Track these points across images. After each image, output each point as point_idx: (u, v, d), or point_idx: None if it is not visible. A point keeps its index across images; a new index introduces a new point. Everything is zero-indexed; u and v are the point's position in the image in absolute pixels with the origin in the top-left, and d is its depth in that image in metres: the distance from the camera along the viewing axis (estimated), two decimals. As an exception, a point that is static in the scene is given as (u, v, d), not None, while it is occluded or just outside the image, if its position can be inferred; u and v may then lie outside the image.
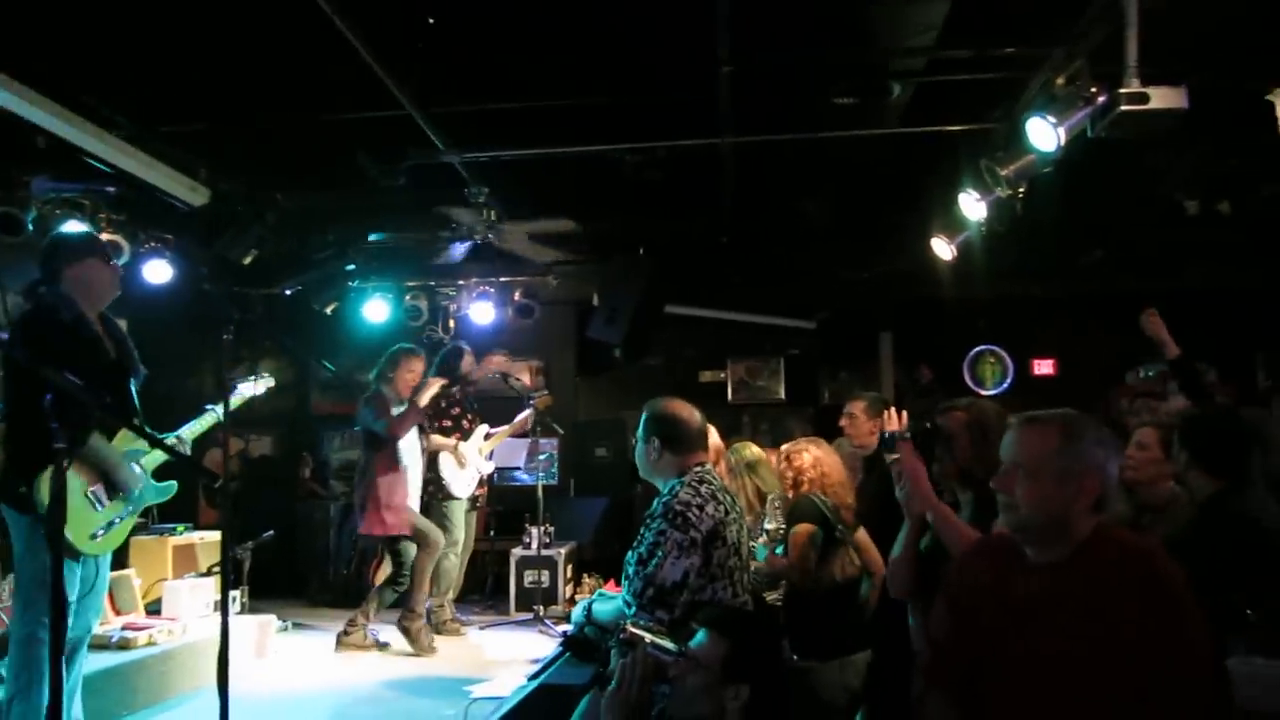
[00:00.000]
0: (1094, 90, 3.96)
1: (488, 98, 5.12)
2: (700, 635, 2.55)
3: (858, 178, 6.36)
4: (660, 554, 2.90)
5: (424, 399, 6.02)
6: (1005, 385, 9.00)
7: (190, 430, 4.12)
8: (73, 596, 3.43)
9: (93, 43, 4.57)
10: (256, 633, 5.65)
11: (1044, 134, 4.24)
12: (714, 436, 4.75)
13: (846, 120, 5.24)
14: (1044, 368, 9.04)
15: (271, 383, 4.77)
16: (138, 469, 3.77)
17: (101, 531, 3.60)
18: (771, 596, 4.41)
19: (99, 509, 3.59)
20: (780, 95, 5.09)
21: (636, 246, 7.23)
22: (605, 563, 7.51)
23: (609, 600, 3.38)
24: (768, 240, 7.89)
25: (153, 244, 6.71)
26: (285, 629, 6.24)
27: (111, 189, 5.68)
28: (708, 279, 8.52)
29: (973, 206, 5.51)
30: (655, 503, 3.14)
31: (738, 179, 6.23)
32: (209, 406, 4.26)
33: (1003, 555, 2.21)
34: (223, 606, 3.14)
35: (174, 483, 3.96)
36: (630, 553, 3.06)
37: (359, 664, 5.51)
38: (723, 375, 9.32)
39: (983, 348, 9.12)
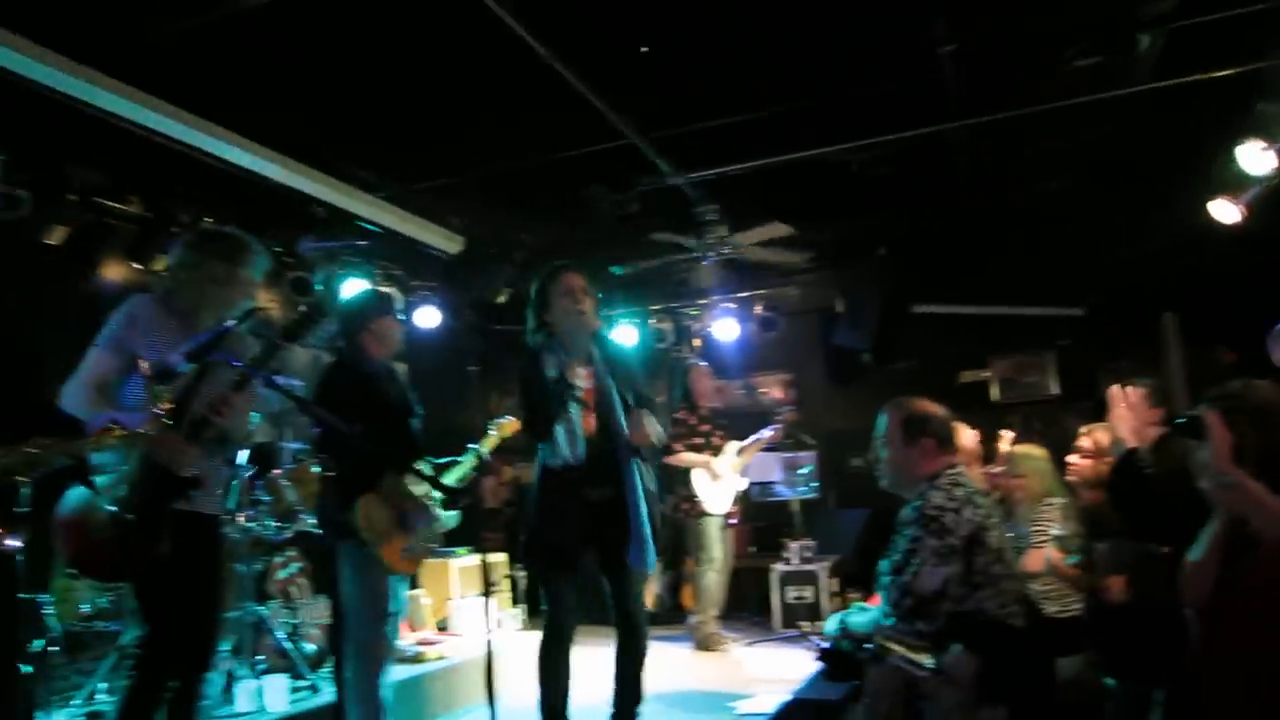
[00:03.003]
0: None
1: (706, 116, 5.18)
2: (954, 650, 2.41)
3: (1111, 145, 5.81)
4: (916, 562, 2.78)
5: None
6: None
7: (456, 473, 4.47)
8: (394, 608, 3.81)
9: (352, 118, 5.10)
10: (533, 649, 5.95)
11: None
12: (967, 438, 4.49)
13: (1090, 84, 4.80)
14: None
15: (516, 423, 5.03)
16: (429, 499, 4.10)
17: (405, 556, 3.92)
18: (1052, 609, 4.08)
19: (402, 535, 3.92)
20: (1010, 67, 4.76)
21: (875, 247, 7.01)
22: (869, 577, 7.28)
23: (865, 612, 3.27)
24: (1017, 225, 7.38)
25: (421, 292, 7.35)
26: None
27: (362, 242, 6.26)
28: (957, 273, 8.08)
29: (1257, 158, 4.88)
30: (906, 508, 3.02)
31: (974, 164, 5.89)
32: (471, 446, 4.59)
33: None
34: (486, 624, 3.37)
35: (459, 512, 4.27)
36: (884, 561, 2.96)
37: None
38: (985, 374, 8.77)
39: (1290, 320, 7.99)
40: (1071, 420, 7.97)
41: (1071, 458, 4.13)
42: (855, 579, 7.54)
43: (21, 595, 4.17)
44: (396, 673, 4.87)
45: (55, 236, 5.19)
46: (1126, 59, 4.47)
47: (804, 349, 8.89)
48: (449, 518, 4.17)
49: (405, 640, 5.50)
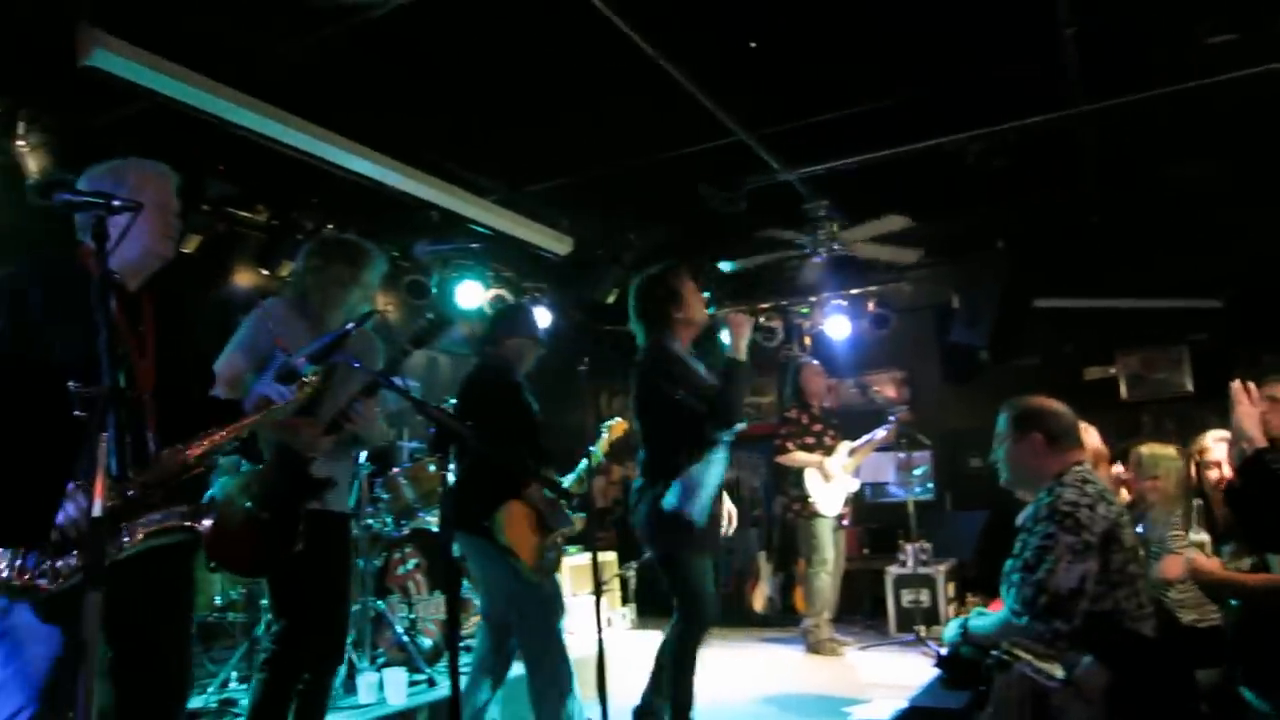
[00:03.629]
0: None
1: (816, 110, 5.10)
2: (1086, 661, 2.30)
3: (1249, 127, 5.47)
4: (1050, 559, 2.68)
5: None
6: None
7: (575, 477, 4.56)
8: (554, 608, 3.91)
9: (464, 123, 5.21)
10: (643, 648, 5.98)
11: None
12: (1093, 438, 4.30)
13: (1224, 61, 4.52)
14: None
15: (625, 424, 5.08)
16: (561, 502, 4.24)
17: (543, 560, 4.04)
18: (1189, 618, 3.86)
19: (541, 539, 4.03)
20: (1138, 48, 4.53)
21: (992, 240, 6.77)
22: (989, 580, 7.04)
23: (987, 617, 3.17)
24: (1147, 215, 7.02)
25: (532, 294, 7.47)
26: (671, 645, 6.53)
27: (475, 245, 6.39)
28: (1081, 265, 7.74)
29: None
30: (1032, 507, 2.92)
31: (1100, 151, 5.62)
32: (591, 448, 4.66)
33: None
34: (596, 622, 3.40)
35: (584, 513, 4.37)
36: (1010, 560, 2.86)
37: (738, 681, 5.62)
38: (1112, 370, 8.37)
39: None
40: (1208, 419, 7.56)
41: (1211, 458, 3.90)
42: (975, 583, 7.32)
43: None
44: (512, 669, 4.98)
45: (190, 245, 5.47)
46: (1266, 32, 4.19)
47: (918, 346, 8.66)
48: (577, 519, 4.28)
49: (519, 636, 5.60)
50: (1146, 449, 4.28)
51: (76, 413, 1.83)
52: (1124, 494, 4.17)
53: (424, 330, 2.86)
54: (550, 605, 3.86)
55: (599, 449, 4.57)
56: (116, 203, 2.09)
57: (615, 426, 4.69)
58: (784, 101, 5.03)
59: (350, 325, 2.78)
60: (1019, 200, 6.54)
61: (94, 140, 4.46)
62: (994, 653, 2.74)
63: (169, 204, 2.46)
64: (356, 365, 2.68)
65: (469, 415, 3.92)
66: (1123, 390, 8.28)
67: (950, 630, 3.22)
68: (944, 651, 3.24)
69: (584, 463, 4.47)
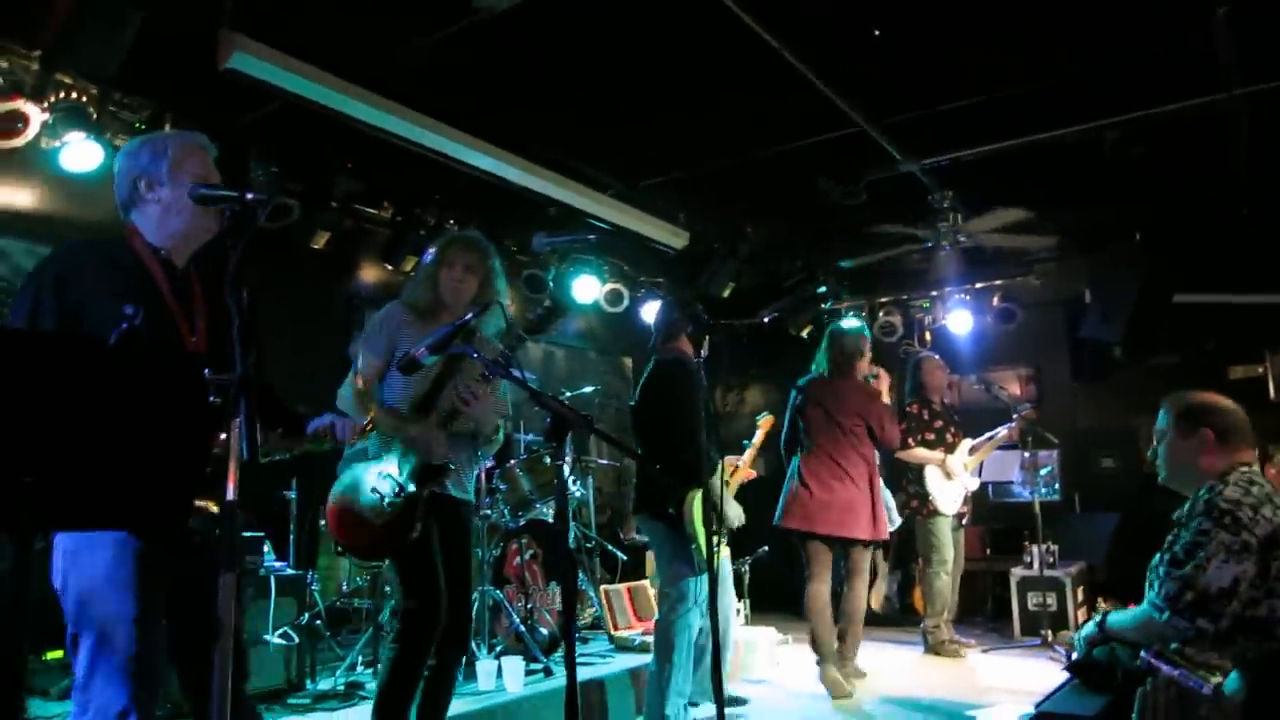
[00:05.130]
0: None
1: (940, 99, 4.94)
2: (1231, 677, 2.16)
3: None
4: (1202, 555, 2.53)
5: None
6: None
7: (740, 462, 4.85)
8: (702, 597, 4.09)
9: (584, 119, 5.25)
10: (758, 644, 5.93)
11: None
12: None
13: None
14: None
15: (772, 418, 5.16)
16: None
17: (719, 545, 4.31)
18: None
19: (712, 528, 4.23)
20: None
21: (1129, 232, 6.42)
22: (1121, 585, 6.71)
23: (1127, 611, 3.01)
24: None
25: (648, 287, 7.48)
26: (785, 642, 6.46)
27: (591, 236, 6.43)
28: (1226, 259, 7.27)
29: None
30: (1188, 503, 2.76)
31: (1252, 137, 5.26)
32: (745, 442, 4.99)
33: None
34: (712, 613, 3.37)
35: (744, 507, 4.54)
36: (1158, 555, 2.71)
37: (855, 680, 5.51)
38: (1261, 369, 7.85)
39: None
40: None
41: None
42: (1106, 587, 6.98)
43: (291, 571, 4.62)
44: (626, 661, 5.02)
45: (320, 241, 5.68)
46: None
47: (1046, 342, 8.31)
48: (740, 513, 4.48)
49: (633, 629, 5.63)
50: None
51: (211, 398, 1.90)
52: None
53: (538, 320, 2.89)
54: (700, 595, 4.09)
55: (753, 443, 4.93)
56: (249, 197, 2.14)
57: (765, 422, 4.99)
58: (908, 90, 4.88)
59: (469, 316, 2.84)
60: (1159, 190, 6.18)
61: (233, 140, 4.67)
62: (1143, 654, 2.60)
63: (210, 177, 2.38)
64: (475, 356, 2.72)
65: (653, 411, 4.28)
66: (1272, 390, 7.76)
67: (1086, 628, 3.07)
68: (1075, 655, 3.09)
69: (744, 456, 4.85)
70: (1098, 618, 2.96)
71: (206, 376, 1.83)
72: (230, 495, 1.77)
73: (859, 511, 5.15)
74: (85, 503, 1.63)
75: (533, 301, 6.66)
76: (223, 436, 1.81)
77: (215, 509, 2.11)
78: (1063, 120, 5.11)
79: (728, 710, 4.61)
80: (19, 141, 4.30)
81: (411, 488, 3.06)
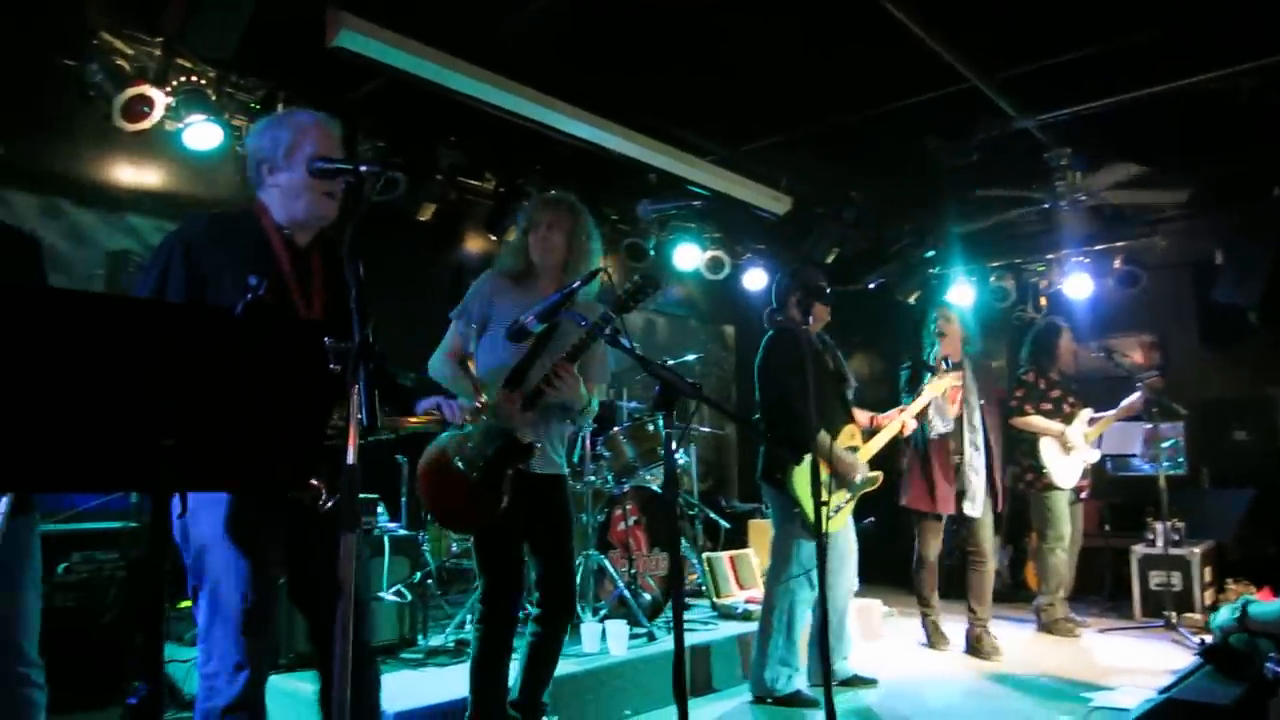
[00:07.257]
0: None
1: (1057, 50, 4.70)
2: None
3: None
4: None
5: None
6: None
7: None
8: (810, 566, 4.18)
9: (683, 84, 5.19)
10: (864, 616, 5.84)
11: None
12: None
13: None
14: None
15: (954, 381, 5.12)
16: (857, 460, 4.42)
17: (834, 514, 4.31)
18: None
19: (832, 494, 4.28)
20: None
21: (1268, 187, 6.01)
22: (1255, 565, 6.37)
23: (1273, 603, 2.86)
24: None
25: (749, 254, 7.39)
26: (891, 615, 6.36)
27: (697, 203, 6.38)
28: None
29: None
30: None
31: None
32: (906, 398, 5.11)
33: None
34: (821, 590, 3.32)
35: (880, 473, 4.50)
36: None
37: (966, 657, 5.39)
38: None
39: None
40: None
41: None
42: (1237, 567, 6.62)
43: (404, 532, 4.76)
44: (731, 628, 5.01)
45: (426, 213, 5.78)
46: None
47: (1172, 307, 7.86)
48: (870, 479, 4.45)
49: (735, 597, 5.61)
50: None
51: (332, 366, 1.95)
52: None
53: (636, 288, 2.84)
54: (810, 561, 4.14)
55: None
56: (363, 169, 2.19)
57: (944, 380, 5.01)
58: (1022, 42, 4.66)
59: (576, 284, 2.83)
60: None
61: (342, 116, 4.77)
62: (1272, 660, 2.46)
63: (331, 153, 2.39)
64: (583, 323, 2.71)
65: (760, 380, 4.37)
66: None
67: (1222, 615, 2.92)
68: (1211, 641, 2.94)
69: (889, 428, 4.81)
70: (1237, 606, 2.81)
71: (326, 344, 1.89)
72: (350, 459, 1.81)
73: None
74: (217, 464, 1.69)
75: (634, 271, 6.66)
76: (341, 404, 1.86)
77: (324, 490, 2.20)
78: (1193, 68, 4.80)
79: (856, 691, 4.59)
80: (146, 124, 4.51)
81: (494, 465, 3.00)
